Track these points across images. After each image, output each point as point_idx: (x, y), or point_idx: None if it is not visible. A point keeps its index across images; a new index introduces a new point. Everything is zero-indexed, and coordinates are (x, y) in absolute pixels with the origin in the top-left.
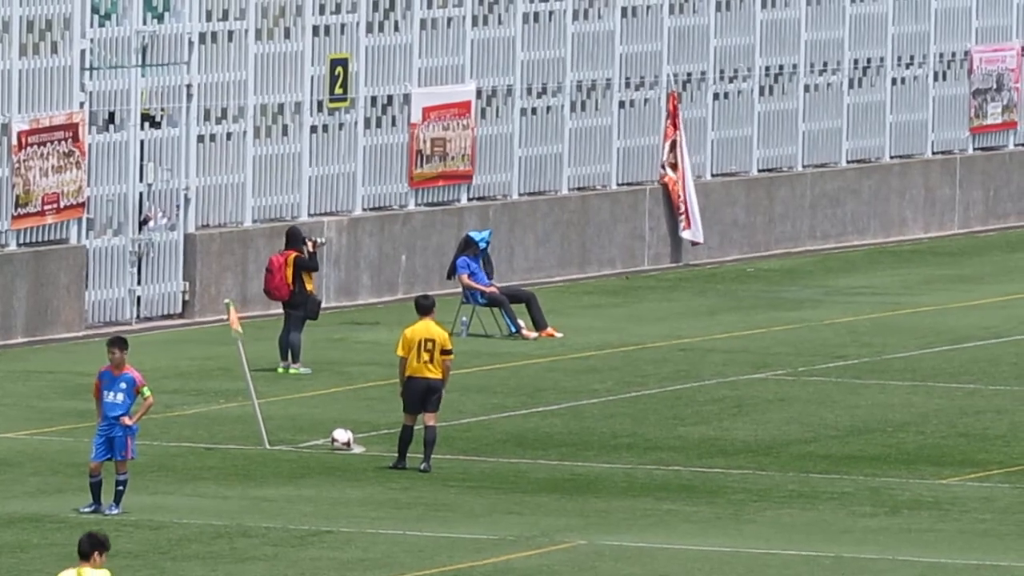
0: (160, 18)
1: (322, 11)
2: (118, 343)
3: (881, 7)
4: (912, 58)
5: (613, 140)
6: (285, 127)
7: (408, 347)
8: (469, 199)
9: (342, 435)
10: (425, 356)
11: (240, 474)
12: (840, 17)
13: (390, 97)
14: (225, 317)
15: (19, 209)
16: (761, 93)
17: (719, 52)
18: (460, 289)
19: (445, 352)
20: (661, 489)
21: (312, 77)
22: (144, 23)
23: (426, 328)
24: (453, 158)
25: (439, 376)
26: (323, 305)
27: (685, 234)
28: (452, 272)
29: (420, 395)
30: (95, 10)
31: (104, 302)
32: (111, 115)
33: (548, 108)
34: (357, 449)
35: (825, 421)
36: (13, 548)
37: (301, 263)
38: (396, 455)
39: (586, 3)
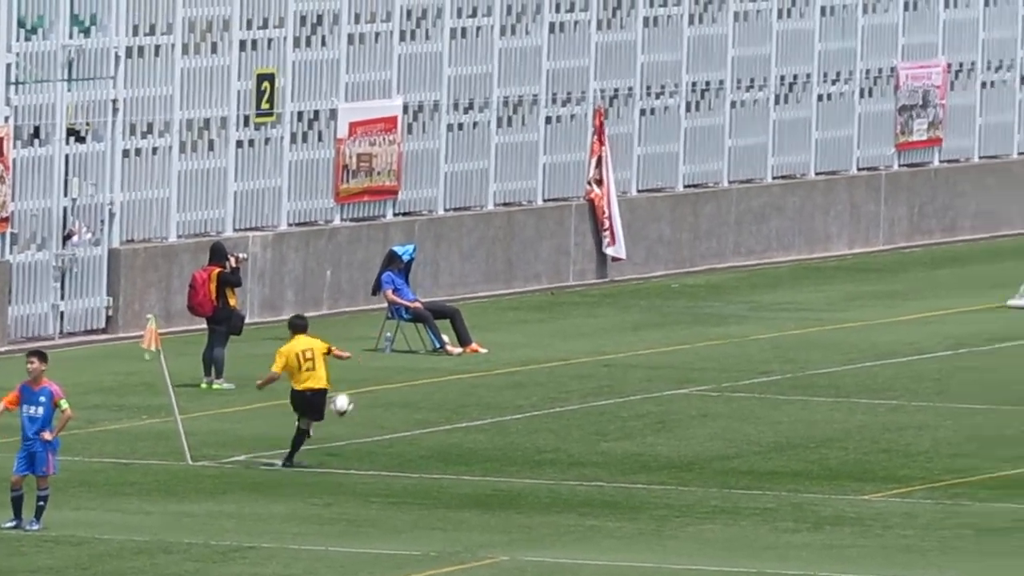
0: (87, 32)
1: (249, 26)
2: (37, 354)
3: (808, 23)
4: (838, 74)
5: (539, 156)
6: (211, 142)
7: (287, 363)
8: (395, 214)
9: (343, 403)
10: (307, 365)
11: (162, 490)
12: (767, 33)
13: (316, 112)
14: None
15: None
16: (687, 109)
17: (646, 68)
18: (385, 304)
19: (328, 352)
20: (584, 505)
21: (238, 92)
22: (70, 37)
23: (302, 342)
24: (379, 173)
25: (325, 385)
26: (247, 320)
27: (609, 250)
28: (377, 287)
29: (308, 403)
30: (21, 24)
31: (27, 317)
32: (36, 129)
33: (475, 124)
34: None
35: (748, 437)
36: None
37: (225, 278)
38: (288, 455)
39: (514, 19)
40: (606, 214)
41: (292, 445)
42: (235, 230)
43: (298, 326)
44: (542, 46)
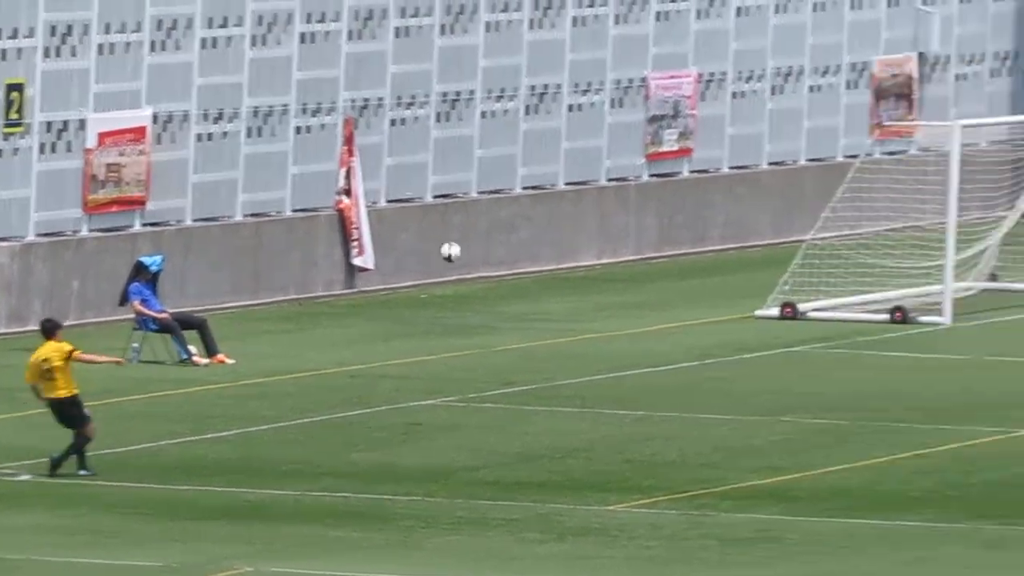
0: None
1: None
2: None
3: (559, 33)
4: (589, 85)
5: (288, 166)
6: None
7: (34, 373)
8: (143, 225)
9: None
10: (47, 375)
11: None
12: (518, 44)
13: (66, 122)
14: None
15: None
16: (437, 119)
17: (396, 78)
18: (132, 315)
19: (69, 357)
20: (330, 516)
21: None
22: None
23: (43, 351)
24: (128, 184)
25: (71, 392)
26: None
27: (357, 260)
28: (124, 298)
29: (56, 413)
30: None
31: None
32: None
33: (224, 134)
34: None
35: (494, 447)
36: None
37: None
38: (58, 456)
39: (264, 29)
40: (355, 224)
41: (67, 449)
42: None
43: (45, 329)
44: (292, 56)
